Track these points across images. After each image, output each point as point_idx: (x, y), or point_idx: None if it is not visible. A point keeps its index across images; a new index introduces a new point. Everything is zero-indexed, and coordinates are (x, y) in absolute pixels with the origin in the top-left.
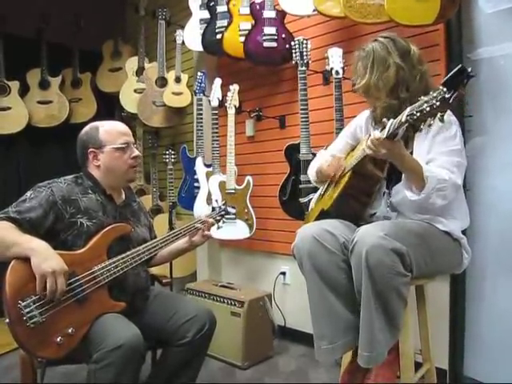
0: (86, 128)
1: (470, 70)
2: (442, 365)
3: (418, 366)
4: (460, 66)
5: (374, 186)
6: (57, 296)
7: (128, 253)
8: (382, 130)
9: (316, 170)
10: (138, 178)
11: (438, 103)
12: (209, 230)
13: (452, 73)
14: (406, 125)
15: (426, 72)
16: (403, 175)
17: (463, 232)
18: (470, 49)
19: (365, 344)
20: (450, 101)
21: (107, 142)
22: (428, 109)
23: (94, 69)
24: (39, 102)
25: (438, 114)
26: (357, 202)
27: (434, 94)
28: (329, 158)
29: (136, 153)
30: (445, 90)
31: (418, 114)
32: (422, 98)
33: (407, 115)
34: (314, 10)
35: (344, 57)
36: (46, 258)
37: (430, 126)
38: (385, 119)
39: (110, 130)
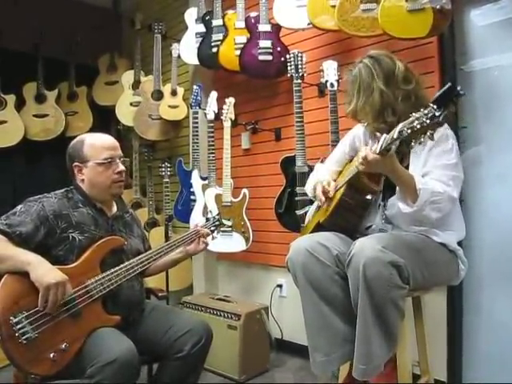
0: (74, 141)
1: (459, 88)
2: (440, 377)
3: (415, 377)
4: (449, 84)
5: (369, 198)
6: (56, 307)
7: (121, 266)
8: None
9: (312, 187)
10: (134, 191)
11: (428, 121)
12: (205, 238)
13: (441, 91)
14: (398, 141)
15: (415, 89)
16: (397, 188)
17: (459, 243)
18: (463, 61)
19: (360, 356)
20: (440, 119)
21: (91, 157)
22: (418, 126)
23: (91, 82)
24: (35, 116)
25: (428, 132)
26: (352, 215)
27: (425, 112)
28: (325, 175)
29: (120, 168)
30: (435, 107)
31: (409, 131)
32: (413, 114)
33: (398, 131)
34: (308, 24)
35: (339, 69)
36: (47, 270)
37: (420, 143)
38: (378, 134)
39: (95, 144)
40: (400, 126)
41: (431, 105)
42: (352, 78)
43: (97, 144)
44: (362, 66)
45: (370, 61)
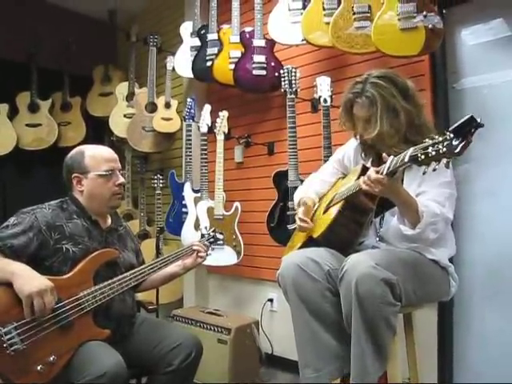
0: (72, 152)
1: (479, 119)
2: None
3: None
4: (470, 115)
5: (365, 216)
6: (44, 315)
7: (114, 279)
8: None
9: (298, 201)
10: (126, 202)
11: (444, 149)
12: (203, 252)
13: (461, 121)
14: (408, 165)
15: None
16: (397, 209)
17: (450, 260)
18: (454, 79)
19: (356, 374)
20: (458, 149)
21: (92, 168)
22: (433, 153)
23: (85, 93)
24: (28, 125)
25: (444, 160)
26: (347, 232)
27: (440, 139)
28: (312, 193)
29: (121, 180)
30: (451, 135)
31: (423, 157)
32: (427, 140)
33: (410, 156)
34: (302, 40)
35: (332, 85)
36: (29, 278)
37: (434, 170)
38: (385, 154)
39: (96, 156)
40: (411, 150)
41: (448, 133)
42: (367, 101)
43: (98, 156)
44: (377, 88)
45: (383, 80)
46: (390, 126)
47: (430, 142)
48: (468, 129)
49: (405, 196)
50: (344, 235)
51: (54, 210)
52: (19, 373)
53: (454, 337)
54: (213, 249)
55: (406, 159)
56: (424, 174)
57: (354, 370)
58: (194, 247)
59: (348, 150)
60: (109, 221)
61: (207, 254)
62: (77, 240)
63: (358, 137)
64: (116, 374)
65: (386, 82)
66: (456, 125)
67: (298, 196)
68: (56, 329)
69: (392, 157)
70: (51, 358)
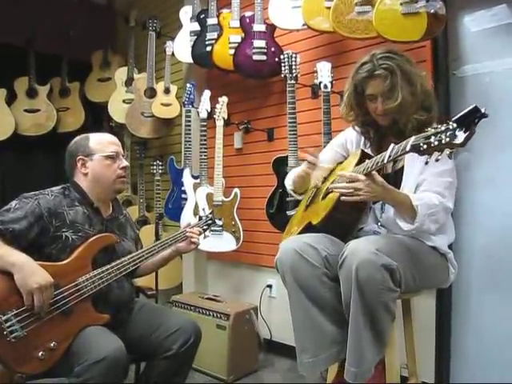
0: (76, 138)
1: (484, 110)
2: (428, 379)
3: (404, 380)
4: (474, 105)
5: (364, 202)
6: (44, 310)
7: (113, 264)
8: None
9: (293, 178)
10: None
11: (447, 139)
12: (196, 237)
13: (465, 111)
14: (409, 153)
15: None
16: (393, 208)
17: (449, 247)
18: (456, 66)
19: (352, 360)
20: (461, 140)
21: (97, 151)
22: (436, 143)
23: (83, 78)
24: (26, 111)
25: (447, 151)
26: (346, 218)
27: (443, 128)
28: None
29: (125, 163)
30: (455, 125)
31: (425, 147)
32: (430, 129)
33: (412, 145)
34: (303, 25)
35: (333, 71)
36: (30, 273)
37: (437, 160)
38: (392, 144)
39: (100, 140)
40: (413, 138)
41: (451, 122)
42: (387, 73)
43: (102, 139)
44: (390, 59)
45: (390, 53)
46: (410, 93)
47: (433, 131)
48: (472, 119)
49: (392, 195)
50: (343, 222)
51: (56, 196)
52: (20, 360)
53: (452, 324)
54: (211, 231)
55: (408, 148)
56: (427, 163)
57: (351, 356)
58: (187, 234)
59: (350, 133)
60: (110, 209)
61: (205, 237)
62: (77, 227)
63: (359, 125)
64: (116, 359)
65: (394, 54)
66: (460, 114)
67: (289, 182)
68: (56, 315)
69: (393, 145)
70: (52, 344)
